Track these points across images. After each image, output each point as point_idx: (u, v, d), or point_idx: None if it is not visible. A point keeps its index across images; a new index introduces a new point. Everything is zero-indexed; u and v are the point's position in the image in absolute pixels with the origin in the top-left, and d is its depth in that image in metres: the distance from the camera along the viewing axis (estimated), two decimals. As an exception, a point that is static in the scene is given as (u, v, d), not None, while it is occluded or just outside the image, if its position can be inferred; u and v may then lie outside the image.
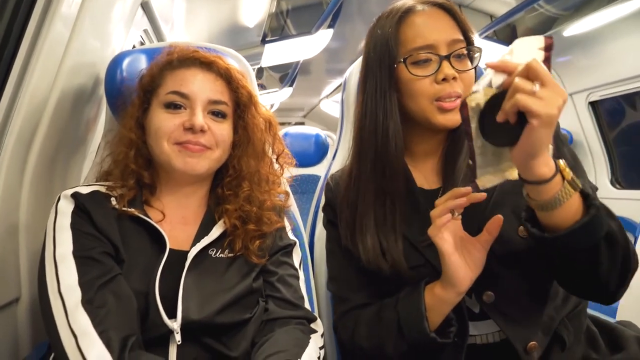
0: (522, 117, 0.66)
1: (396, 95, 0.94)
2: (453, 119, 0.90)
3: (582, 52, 3.51)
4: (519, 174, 0.74)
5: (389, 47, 0.93)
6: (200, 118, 0.93)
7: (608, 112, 3.68)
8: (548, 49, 0.70)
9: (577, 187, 0.72)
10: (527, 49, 0.71)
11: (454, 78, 0.90)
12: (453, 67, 0.90)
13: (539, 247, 0.80)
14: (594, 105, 3.70)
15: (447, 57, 0.90)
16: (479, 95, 0.72)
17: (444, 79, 0.89)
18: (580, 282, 0.82)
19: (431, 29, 0.92)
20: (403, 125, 0.95)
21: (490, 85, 0.72)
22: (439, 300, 0.85)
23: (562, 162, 0.73)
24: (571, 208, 0.72)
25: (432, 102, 0.91)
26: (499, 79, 0.71)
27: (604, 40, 3.27)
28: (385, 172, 0.95)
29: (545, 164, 0.70)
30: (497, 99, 0.69)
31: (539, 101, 0.64)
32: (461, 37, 0.93)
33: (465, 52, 0.93)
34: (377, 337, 0.92)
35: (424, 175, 1.00)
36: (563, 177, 0.72)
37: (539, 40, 0.71)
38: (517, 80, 0.66)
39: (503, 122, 0.69)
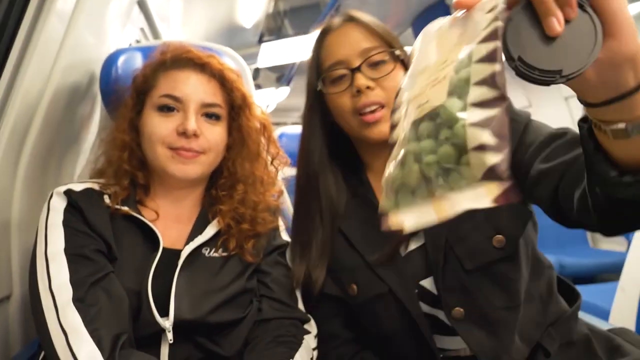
0: (582, 20, 0.42)
1: (320, 116, 0.98)
2: (380, 130, 0.89)
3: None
4: (582, 100, 0.50)
5: (312, 70, 0.97)
6: (193, 123, 0.92)
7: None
8: None
9: None
10: None
11: (369, 87, 0.89)
12: (367, 77, 0.90)
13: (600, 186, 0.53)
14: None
15: (358, 69, 0.90)
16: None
17: (359, 91, 0.89)
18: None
19: (340, 45, 0.93)
20: (358, 144, 0.98)
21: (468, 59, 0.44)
22: None
23: None
24: None
25: (356, 116, 0.91)
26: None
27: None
28: (315, 196, 0.98)
29: (632, 67, 0.44)
30: (521, 14, 0.44)
31: None
32: (374, 44, 0.92)
33: (382, 57, 0.91)
34: None
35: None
36: None
37: None
38: None
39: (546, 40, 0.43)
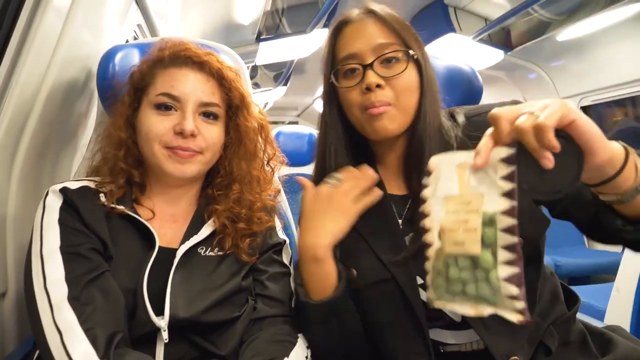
0: (566, 149, 0.57)
1: (337, 108, 0.97)
2: (384, 126, 0.89)
3: (575, 57, 3.54)
4: (592, 189, 0.68)
5: (327, 62, 0.96)
6: (191, 123, 0.91)
7: (599, 117, 3.71)
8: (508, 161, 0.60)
9: None
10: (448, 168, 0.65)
11: (379, 86, 0.88)
12: (378, 74, 0.89)
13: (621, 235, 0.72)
14: (585, 110, 3.73)
15: (370, 65, 0.89)
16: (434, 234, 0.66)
17: (368, 88, 0.89)
18: None
19: (355, 38, 0.92)
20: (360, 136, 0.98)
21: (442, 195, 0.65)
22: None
23: (618, 145, 0.65)
24: None
25: (363, 111, 0.91)
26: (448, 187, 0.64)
27: (597, 45, 3.30)
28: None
29: (609, 164, 0.62)
30: (519, 154, 0.59)
31: (550, 109, 0.57)
32: (390, 41, 0.91)
33: (395, 55, 0.90)
34: None
35: (394, 182, 1.00)
36: (627, 154, 0.64)
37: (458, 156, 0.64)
38: (521, 123, 0.57)
39: (544, 168, 0.57)
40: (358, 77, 0.91)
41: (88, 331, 0.75)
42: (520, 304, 0.58)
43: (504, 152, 0.59)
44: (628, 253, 1.93)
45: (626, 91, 3.33)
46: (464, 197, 0.63)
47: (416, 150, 0.93)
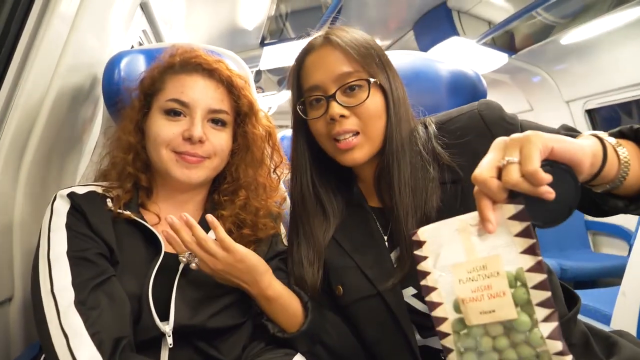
0: (557, 172, 0.58)
1: (304, 135, 0.98)
2: (353, 157, 0.91)
3: (579, 60, 3.54)
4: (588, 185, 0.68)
5: (293, 92, 0.97)
6: (199, 129, 0.92)
7: (604, 120, 3.70)
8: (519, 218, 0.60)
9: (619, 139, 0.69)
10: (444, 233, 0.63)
11: (343, 116, 0.89)
12: (343, 105, 0.89)
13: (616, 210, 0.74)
14: (590, 113, 3.72)
15: (333, 96, 0.90)
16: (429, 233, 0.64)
17: (332, 119, 0.89)
18: None
19: (317, 68, 0.92)
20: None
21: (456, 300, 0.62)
22: None
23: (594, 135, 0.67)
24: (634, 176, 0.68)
25: (331, 141, 0.92)
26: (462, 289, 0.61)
27: (602, 48, 3.29)
28: (299, 205, 1.00)
29: (591, 166, 0.64)
30: (523, 200, 0.59)
31: (528, 150, 0.57)
32: (351, 69, 0.90)
33: (358, 83, 0.90)
34: None
35: (374, 196, 1.00)
36: (604, 146, 0.65)
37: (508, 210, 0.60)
38: (510, 179, 0.57)
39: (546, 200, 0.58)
40: (323, 107, 0.91)
41: (94, 336, 0.75)
42: (568, 358, 0.57)
43: (511, 209, 0.59)
44: (634, 256, 1.92)
45: (631, 94, 3.32)
46: (476, 262, 0.60)
47: (387, 172, 0.93)
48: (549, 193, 0.56)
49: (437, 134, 0.93)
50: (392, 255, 0.93)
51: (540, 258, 0.58)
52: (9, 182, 1.05)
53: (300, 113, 0.96)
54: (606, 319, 1.99)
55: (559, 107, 3.90)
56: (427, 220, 0.86)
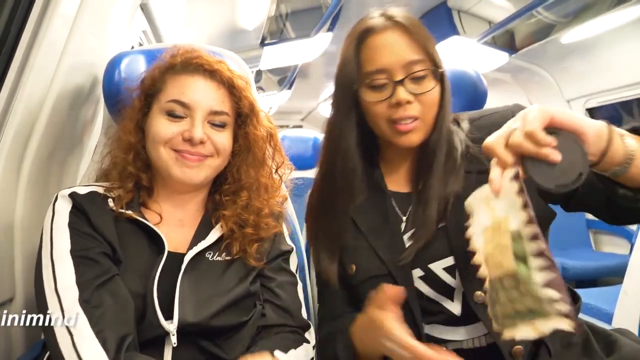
0: (562, 139, 0.65)
1: (355, 115, 0.97)
2: (410, 139, 0.92)
3: (579, 59, 3.53)
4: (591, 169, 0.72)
5: (349, 69, 0.95)
6: (200, 131, 0.92)
7: (605, 119, 3.69)
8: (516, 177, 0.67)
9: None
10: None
11: (408, 102, 0.90)
12: (409, 91, 0.90)
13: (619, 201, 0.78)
14: (591, 111, 3.71)
15: (401, 82, 0.90)
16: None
17: (398, 103, 0.90)
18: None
19: (383, 52, 0.91)
20: (382, 140, 0.99)
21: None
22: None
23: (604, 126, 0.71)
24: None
25: (389, 124, 0.92)
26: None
27: (602, 47, 3.29)
28: (337, 188, 0.99)
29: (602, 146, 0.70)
30: (530, 165, 0.66)
31: (529, 116, 0.65)
32: (420, 57, 0.91)
33: (425, 74, 0.91)
34: None
35: (396, 180, 1.02)
36: (610, 129, 0.71)
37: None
38: (513, 140, 0.66)
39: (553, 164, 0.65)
40: (387, 91, 0.91)
41: (99, 334, 0.76)
42: (565, 307, 0.60)
43: (510, 172, 0.66)
44: (636, 255, 1.92)
45: (632, 93, 3.32)
46: (495, 224, 0.68)
47: (428, 157, 0.95)
48: (553, 155, 0.63)
49: (470, 128, 0.98)
50: (405, 237, 0.95)
51: (532, 213, 0.64)
52: (10, 183, 1.05)
53: (360, 93, 0.94)
54: (608, 318, 1.98)
55: (560, 106, 3.90)
56: (445, 205, 0.91)
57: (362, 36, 0.94)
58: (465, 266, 0.87)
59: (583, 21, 3.02)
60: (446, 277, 0.90)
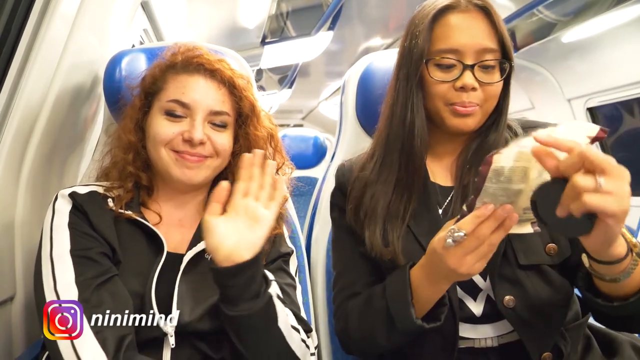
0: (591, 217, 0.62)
1: (422, 92, 0.93)
2: (466, 123, 0.90)
3: (580, 58, 3.52)
4: (588, 255, 0.75)
5: (420, 43, 0.91)
6: (200, 131, 0.91)
7: (606, 118, 3.69)
8: (596, 140, 0.65)
9: None
10: (574, 133, 0.64)
11: (473, 88, 0.88)
12: (476, 78, 0.88)
13: (593, 306, 0.82)
14: (592, 111, 3.71)
15: (471, 67, 0.88)
16: (506, 159, 0.66)
17: (462, 88, 0.88)
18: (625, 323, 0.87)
19: (461, 33, 0.89)
20: (427, 123, 0.95)
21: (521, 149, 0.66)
22: (428, 288, 0.83)
23: (627, 233, 0.74)
24: (637, 275, 0.74)
25: (447, 105, 0.90)
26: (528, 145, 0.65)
27: (603, 46, 3.28)
28: (409, 166, 0.95)
29: (620, 245, 0.71)
30: (551, 189, 0.63)
31: (609, 197, 0.58)
32: (495, 47, 0.89)
33: (493, 63, 0.89)
34: (368, 329, 0.90)
35: (440, 172, 1.00)
36: (631, 250, 0.73)
37: (590, 129, 0.65)
38: (578, 179, 0.59)
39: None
40: (454, 72, 0.89)
41: (98, 334, 0.75)
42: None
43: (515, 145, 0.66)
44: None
45: (633, 92, 3.32)
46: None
47: (483, 149, 0.93)
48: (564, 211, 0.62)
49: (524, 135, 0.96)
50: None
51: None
52: (11, 181, 1.05)
53: (430, 71, 0.90)
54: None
55: (561, 105, 3.89)
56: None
57: (440, 12, 0.90)
58: (499, 269, 0.87)
59: (584, 20, 3.01)
60: (476, 277, 0.89)
